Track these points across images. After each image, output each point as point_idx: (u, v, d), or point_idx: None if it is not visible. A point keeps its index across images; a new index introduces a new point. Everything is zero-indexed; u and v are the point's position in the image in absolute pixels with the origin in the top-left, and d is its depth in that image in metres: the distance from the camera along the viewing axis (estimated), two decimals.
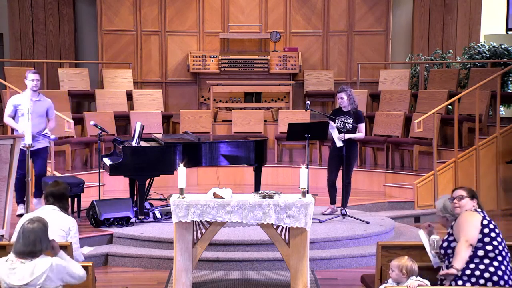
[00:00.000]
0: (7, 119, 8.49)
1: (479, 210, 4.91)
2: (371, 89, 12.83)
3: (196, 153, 8.16)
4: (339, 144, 8.38)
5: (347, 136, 8.37)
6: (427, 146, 10.78)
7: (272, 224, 6.24)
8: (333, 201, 8.70)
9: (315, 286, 6.65)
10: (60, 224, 5.32)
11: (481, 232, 4.75)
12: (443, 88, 11.91)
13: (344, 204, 8.58)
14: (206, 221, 6.25)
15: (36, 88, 8.47)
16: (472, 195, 4.96)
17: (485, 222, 4.79)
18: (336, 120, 8.52)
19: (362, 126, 8.54)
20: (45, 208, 5.44)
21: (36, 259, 4.30)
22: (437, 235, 5.05)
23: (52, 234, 4.87)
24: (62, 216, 5.40)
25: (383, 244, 5.48)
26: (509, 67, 11.06)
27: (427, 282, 4.72)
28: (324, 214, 8.58)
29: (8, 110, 8.48)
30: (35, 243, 4.30)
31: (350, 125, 8.44)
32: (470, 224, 4.76)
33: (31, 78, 8.43)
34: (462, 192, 4.96)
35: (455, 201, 4.96)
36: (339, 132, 8.43)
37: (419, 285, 4.63)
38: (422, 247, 5.43)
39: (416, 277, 4.77)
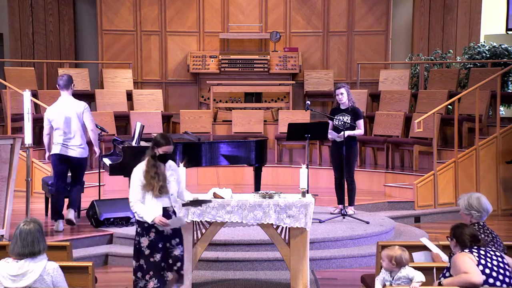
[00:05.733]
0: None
1: (472, 249, 4.60)
2: (371, 89, 12.82)
3: (196, 153, 8.15)
4: (339, 138, 8.44)
5: (347, 133, 8.41)
6: (427, 146, 10.77)
7: (272, 224, 6.24)
8: (340, 201, 8.70)
9: (315, 286, 6.64)
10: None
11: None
12: (443, 88, 11.91)
13: (350, 202, 8.65)
14: (206, 221, 6.25)
15: None
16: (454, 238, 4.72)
17: (480, 267, 4.48)
18: (335, 119, 8.56)
19: (361, 122, 8.59)
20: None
21: (35, 259, 4.32)
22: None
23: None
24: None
25: (383, 244, 5.48)
26: (509, 67, 11.05)
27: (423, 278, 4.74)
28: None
29: None
30: (34, 244, 4.31)
31: (348, 123, 8.47)
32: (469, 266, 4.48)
33: None
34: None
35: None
36: (339, 131, 8.47)
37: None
38: (421, 248, 5.43)
39: (409, 266, 4.78)
